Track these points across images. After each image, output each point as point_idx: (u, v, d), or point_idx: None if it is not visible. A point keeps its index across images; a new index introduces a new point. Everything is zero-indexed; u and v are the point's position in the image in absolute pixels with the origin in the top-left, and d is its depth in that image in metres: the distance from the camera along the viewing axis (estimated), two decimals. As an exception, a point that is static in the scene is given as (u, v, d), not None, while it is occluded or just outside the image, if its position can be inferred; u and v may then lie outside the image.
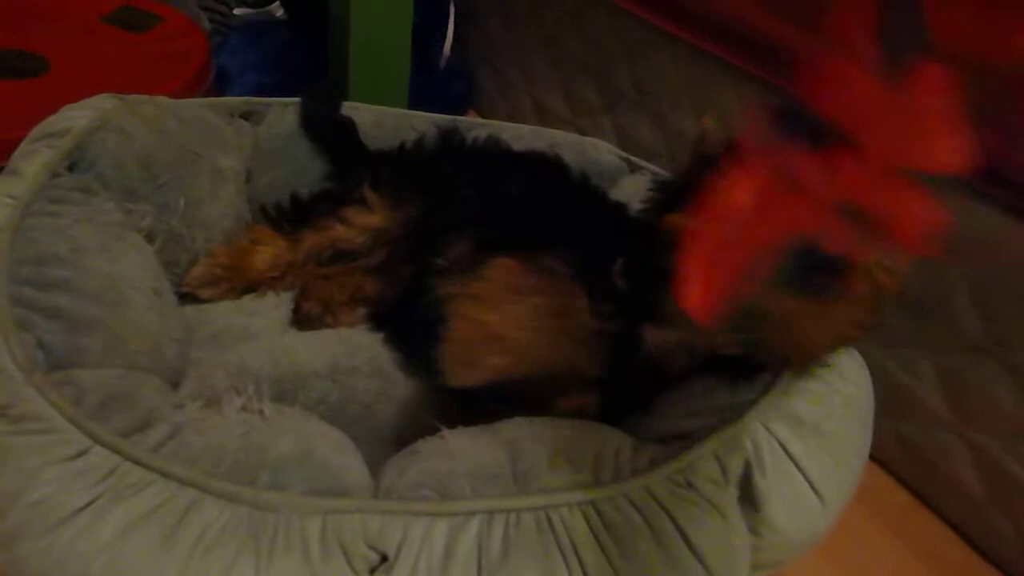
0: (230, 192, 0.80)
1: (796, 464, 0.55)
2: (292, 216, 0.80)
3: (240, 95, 0.89)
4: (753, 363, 0.56)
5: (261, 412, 0.53)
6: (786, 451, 0.55)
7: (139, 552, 0.43)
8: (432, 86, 1.43)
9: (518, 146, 0.87)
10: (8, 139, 0.71)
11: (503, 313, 0.54)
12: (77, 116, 0.70)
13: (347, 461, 0.51)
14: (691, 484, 0.51)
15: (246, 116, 0.86)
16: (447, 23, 1.49)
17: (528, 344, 0.55)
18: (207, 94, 1.18)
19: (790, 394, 0.57)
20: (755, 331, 0.51)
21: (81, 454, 0.46)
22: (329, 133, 0.88)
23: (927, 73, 0.34)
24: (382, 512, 0.47)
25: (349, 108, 0.90)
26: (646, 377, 0.59)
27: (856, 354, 0.63)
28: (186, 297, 0.75)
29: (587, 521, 0.48)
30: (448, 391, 0.66)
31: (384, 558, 0.46)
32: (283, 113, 0.88)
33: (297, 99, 0.89)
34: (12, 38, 1.16)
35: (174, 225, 0.73)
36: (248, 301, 0.78)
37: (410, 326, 0.71)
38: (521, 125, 0.93)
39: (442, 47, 1.49)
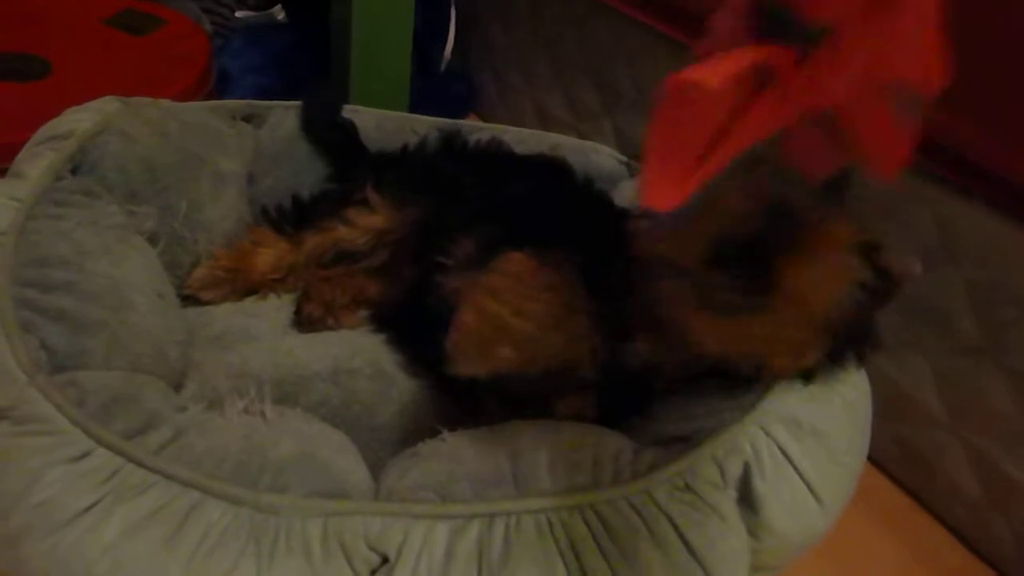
0: (232, 194, 0.80)
1: (794, 466, 0.55)
2: (294, 218, 0.80)
3: (241, 97, 0.90)
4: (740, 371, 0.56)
5: (263, 414, 0.53)
6: (784, 453, 0.55)
7: (142, 553, 0.44)
8: (432, 89, 1.44)
9: (520, 150, 0.88)
10: (11, 142, 0.72)
11: (514, 306, 0.54)
12: (80, 119, 0.71)
13: (348, 463, 0.52)
14: (690, 487, 0.51)
15: (248, 119, 0.87)
16: (448, 26, 1.49)
17: (536, 339, 0.54)
18: (209, 96, 1.18)
19: (788, 396, 0.57)
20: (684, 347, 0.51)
21: (84, 456, 0.47)
22: (330, 136, 0.88)
23: None
24: (383, 514, 0.47)
25: (350, 111, 0.90)
26: (638, 381, 0.59)
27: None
28: (188, 299, 0.75)
29: (587, 524, 0.48)
30: (449, 392, 0.67)
31: (385, 560, 0.46)
32: (284, 116, 0.88)
33: (298, 102, 0.89)
34: (14, 40, 1.16)
35: (176, 227, 0.73)
36: (250, 303, 0.78)
37: (413, 327, 0.71)
38: (522, 129, 0.94)
39: (443, 50, 1.50)
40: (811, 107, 0.35)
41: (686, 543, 0.49)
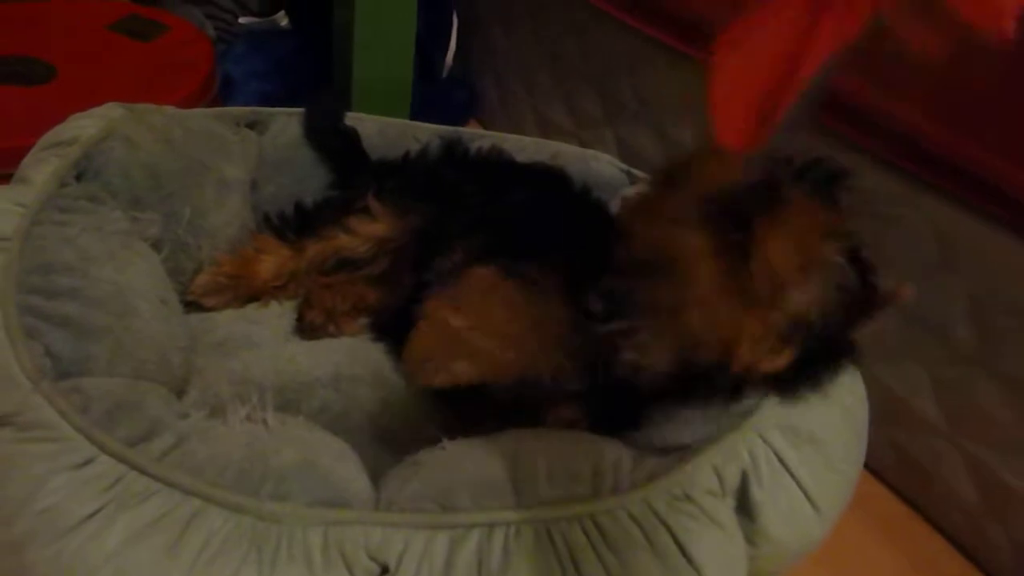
0: (235, 201, 0.80)
1: (791, 474, 0.55)
2: (296, 225, 0.81)
3: (244, 102, 0.90)
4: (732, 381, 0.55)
5: (265, 422, 0.53)
6: (781, 461, 0.55)
7: (145, 560, 0.44)
8: (434, 95, 1.44)
9: (520, 158, 0.88)
10: (16, 146, 0.72)
11: (471, 319, 0.55)
12: (85, 125, 0.71)
13: (349, 472, 0.52)
14: (689, 496, 0.51)
15: (251, 125, 0.87)
16: (450, 32, 1.50)
17: (496, 352, 0.55)
18: (212, 102, 1.19)
19: (785, 404, 0.57)
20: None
21: (88, 462, 0.47)
22: (333, 143, 0.89)
23: None
24: (383, 524, 0.47)
25: (352, 119, 0.91)
26: (627, 390, 0.59)
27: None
28: (191, 305, 0.75)
29: (586, 534, 0.48)
30: (449, 401, 0.67)
31: (385, 569, 0.46)
32: (287, 123, 0.88)
33: (301, 109, 0.90)
34: (18, 44, 1.17)
35: (180, 234, 0.74)
36: (252, 310, 0.78)
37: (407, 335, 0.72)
38: (523, 137, 0.94)
39: (445, 56, 1.50)
40: None
41: (684, 552, 0.49)
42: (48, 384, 0.50)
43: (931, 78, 0.79)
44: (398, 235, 0.77)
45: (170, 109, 0.79)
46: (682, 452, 0.55)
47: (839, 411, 0.60)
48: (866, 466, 0.64)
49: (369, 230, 0.77)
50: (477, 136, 0.92)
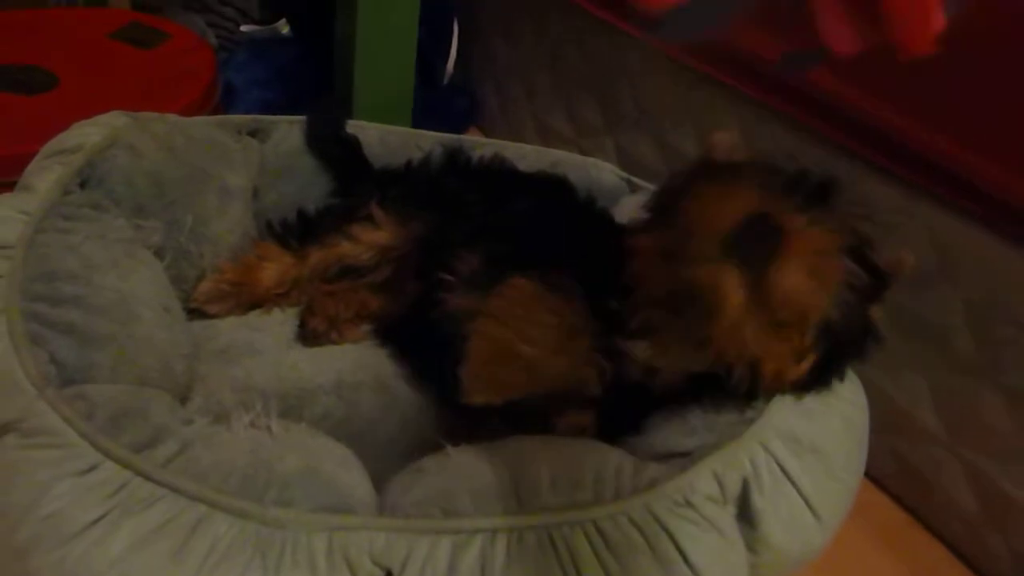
0: (237, 209, 0.81)
1: (793, 482, 0.56)
2: (298, 232, 0.81)
3: (245, 110, 0.91)
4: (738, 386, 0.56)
5: (268, 428, 0.54)
6: (783, 469, 0.56)
7: (149, 566, 0.44)
8: (435, 102, 1.45)
9: (521, 166, 0.88)
10: (18, 153, 0.73)
11: (519, 331, 0.55)
12: (89, 133, 0.71)
13: (353, 478, 0.52)
14: (690, 503, 0.51)
15: (253, 133, 0.87)
16: (451, 40, 1.50)
17: (542, 363, 0.55)
18: (214, 110, 1.19)
19: (787, 412, 0.58)
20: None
21: (92, 468, 0.47)
22: (334, 151, 0.89)
23: None
24: (387, 529, 0.48)
25: (354, 127, 0.91)
26: (638, 394, 0.60)
27: (852, 373, 0.64)
28: (193, 313, 0.76)
29: (589, 540, 0.49)
30: (452, 407, 0.67)
31: (389, 574, 0.46)
32: (289, 130, 0.89)
33: (303, 117, 0.90)
34: (21, 53, 1.17)
35: (182, 241, 0.74)
36: (254, 317, 0.78)
37: (416, 342, 0.72)
38: (523, 145, 0.94)
39: (446, 64, 1.51)
40: None
41: (686, 558, 0.49)
42: (53, 391, 0.51)
43: (928, 84, 0.80)
44: (401, 243, 0.77)
45: (173, 117, 0.80)
46: (684, 459, 0.55)
47: (840, 420, 0.61)
48: (867, 475, 0.64)
49: (372, 238, 0.78)
50: (479, 144, 0.92)
